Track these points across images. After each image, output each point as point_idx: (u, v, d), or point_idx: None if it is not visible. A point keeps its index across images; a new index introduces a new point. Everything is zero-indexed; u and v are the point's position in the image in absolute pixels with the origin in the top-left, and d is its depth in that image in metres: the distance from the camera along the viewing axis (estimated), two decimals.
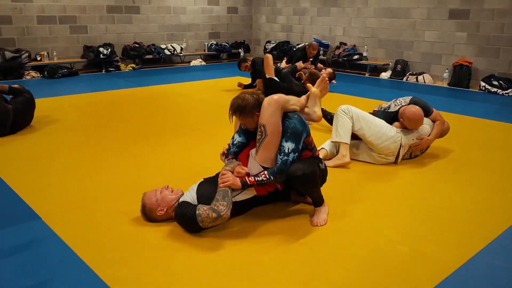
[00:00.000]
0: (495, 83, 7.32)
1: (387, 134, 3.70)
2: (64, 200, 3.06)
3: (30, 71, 8.32)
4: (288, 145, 2.55)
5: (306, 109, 3.07)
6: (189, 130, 4.86)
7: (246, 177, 2.57)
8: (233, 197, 2.58)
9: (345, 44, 9.69)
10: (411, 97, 3.96)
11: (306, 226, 2.71)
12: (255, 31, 11.90)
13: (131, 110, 5.80)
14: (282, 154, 2.55)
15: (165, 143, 4.37)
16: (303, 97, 3.06)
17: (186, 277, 2.19)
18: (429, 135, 3.84)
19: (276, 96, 2.60)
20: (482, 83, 7.48)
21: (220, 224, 2.56)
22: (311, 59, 7.56)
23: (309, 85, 3.41)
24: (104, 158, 3.91)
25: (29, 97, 4.82)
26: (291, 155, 2.56)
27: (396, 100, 3.98)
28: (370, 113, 3.97)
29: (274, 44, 10.97)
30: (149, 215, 2.69)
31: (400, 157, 3.80)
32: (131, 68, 9.41)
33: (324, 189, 2.87)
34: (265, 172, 2.55)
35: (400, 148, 3.74)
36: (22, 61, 8.04)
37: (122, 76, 8.65)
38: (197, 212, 2.46)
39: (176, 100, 6.48)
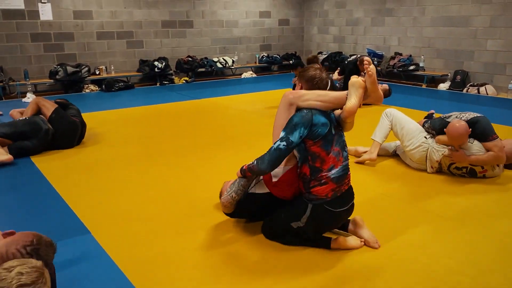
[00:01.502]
0: None
1: (415, 142, 3.82)
2: (114, 215, 3.10)
3: (89, 85, 8.70)
4: (281, 134, 2.40)
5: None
6: (240, 142, 4.83)
7: (246, 164, 2.54)
8: (248, 188, 2.64)
9: (401, 54, 9.36)
10: (479, 115, 3.63)
11: (357, 253, 2.56)
12: (307, 42, 11.80)
13: (184, 122, 5.87)
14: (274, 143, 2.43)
15: (217, 156, 4.36)
16: (342, 92, 2.48)
17: None
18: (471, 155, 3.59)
19: (291, 91, 2.56)
20: None
21: (226, 212, 2.72)
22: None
23: (352, 76, 2.61)
24: (157, 172, 3.95)
25: (77, 108, 5.00)
26: (277, 142, 2.37)
27: (462, 113, 3.72)
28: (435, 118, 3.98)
29: (326, 55, 10.81)
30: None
31: (428, 167, 3.81)
32: (184, 81, 9.60)
33: (373, 203, 2.71)
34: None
35: (426, 158, 3.78)
36: (82, 75, 8.42)
37: (175, 89, 8.83)
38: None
39: (228, 113, 6.50)
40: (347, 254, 2.52)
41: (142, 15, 9.28)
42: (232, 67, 10.42)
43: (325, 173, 2.42)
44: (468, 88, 8.07)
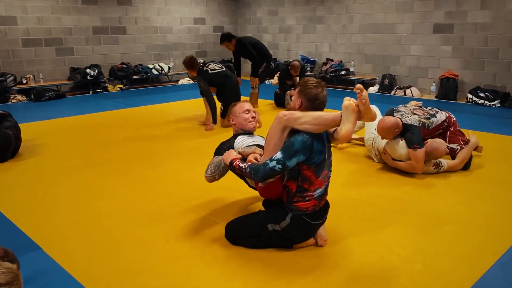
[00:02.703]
0: (482, 94, 7.46)
1: (368, 131, 4.31)
2: (64, 228, 2.96)
3: (16, 95, 8.16)
4: (277, 155, 2.41)
5: (338, 128, 2.45)
6: (186, 150, 4.80)
7: (238, 161, 2.59)
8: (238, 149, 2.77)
9: (332, 60, 9.79)
10: (416, 125, 3.80)
11: (313, 250, 2.67)
12: None
13: (123, 131, 5.71)
14: (270, 159, 2.42)
15: (162, 164, 4.31)
16: (336, 114, 2.41)
17: None
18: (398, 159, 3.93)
19: (286, 112, 2.46)
20: (469, 95, 7.61)
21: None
22: (297, 76, 7.56)
23: (345, 99, 2.42)
24: (101, 183, 3.83)
25: (15, 121, 4.73)
26: (273, 163, 2.38)
27: (416, 110, 3.98)
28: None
29: None
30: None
31: (373, 155, 4.23)
32: (118, 88, 9.33)
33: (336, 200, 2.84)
34: (249, 164, 2.52)
35: (372, 148, 4.18)
36: (7, 85, 7.89)
37: (110, 97, 8.56)
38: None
39: (168, 120, 6.42)
40: (305, 250, 2.62)
41: (71, 21, 8.90)
42: (169, 74, 10.29)
43: (311, 193, 2.50)
44: (396, 91, 8.63)
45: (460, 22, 7.76)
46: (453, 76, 7.87)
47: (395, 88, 8.70)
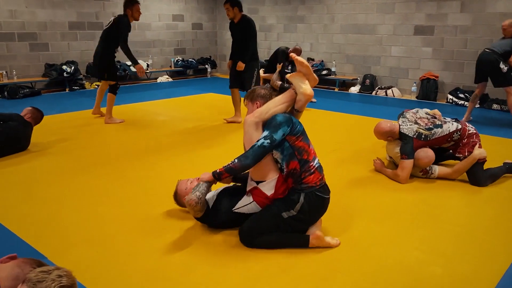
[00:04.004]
0: (461, 95, 7.66)
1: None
2: (67, 236, 2.81)
3: None
4: (263, 134, 2.57)
5: (297, 97, 2.73)
6: (178, 149, 4.68)
7: (218, 169, 2.60)
8: (236, 209, 2.73)
9: (313, 60, 9.83)
10: (411, 135, 3.78)
11: (330, 254, 2.64)
12: (220, 47, 11.83)
13: (107, 130, 5.52)
14: (256, 141, 2.55)
15: (154, 165, 4.18)
16: (286, 92, 2.76)
17: None
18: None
19: (250, 114, 2.70)
20: (449, 96, 7.80)
21: (196, 216, 2.68)
22: (289, 67, 7.54)
23: (287, 75, 2.85)
24: (98, 186, 3.67)
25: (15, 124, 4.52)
26: (261, 140, 2.52)
27: (421, 119, 3.91)
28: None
29: None
30: (179, 200, 2.99)
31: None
32: (96, 86, 9.03)
33: (342, 206, 2.82)
34: (234, 159, 2.57)
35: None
36: None
37: (87, 94, 8.28)
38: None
39: (156, 119, 6.27)
40: (324, 252, 2.58)
41: (46, 15, 8.55)
42: (147, 71, 10.06)
43: (311, 163, 2.63)
44: (377, 91, 8.75)
45: (441, 24, 7.93)
46: (433, 77, 8.05)
47: (376, 89, 8.81)
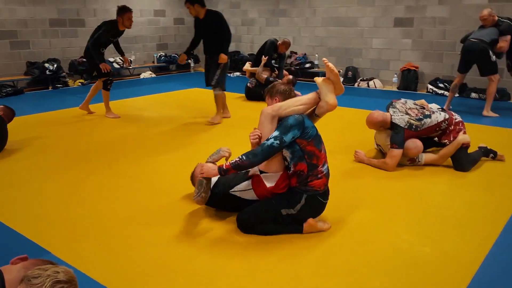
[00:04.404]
0: (441, 85, 7.89)
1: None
2: (68, 230, 2.87)
3: None
4: (273, 134, 2.61)
5: (320, 103, 2.83)
6: (173, 145, 4.75)
7: (225, 163, 2.65)
8: (233, 191, 2.86)
9: (296, 53, 9.94)
10: (402, 125, 3.90)
11: (325, 238, 2.77)
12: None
13: (97, 128, 5.54)
14: (266, 140, 2.60)
15: (146, 160, 4.24)
16: (312, 93, 2.83)
17: None
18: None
19: (269, 106, 2.77)
20: (429, 86, 8.02)
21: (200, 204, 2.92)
22: (275, 63, 7.60)
23: (315, 78, 2.90)
24: (92, 182, 3.72)
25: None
26: (271, 140, 2.57)
27: (415, 110, 4.04)
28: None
29: None
30: (193, 180, 3.17)
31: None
32: (80, 83, 8.98)
33: (334, 194, 2.94)
34: (242, 154, 2.61)
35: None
36: None
37: (71, 92, 8.23)
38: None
39: (143, 115, 6.30)
40: (318, 238, 2.70)
41: (26, 12, 8.44)
42: (130, 67, 10.02)
43: (320, 168, 2.69)
44: (359, 83, 8.92)
45: (420, 16, 8.12)
46: (414, 68, 8.25)
47: (358, 80, 8.99)
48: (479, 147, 4.17)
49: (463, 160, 3.91)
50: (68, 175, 3.88)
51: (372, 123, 4.10)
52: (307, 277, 2.33)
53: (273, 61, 7.54)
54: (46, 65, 8.51)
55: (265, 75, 7.23)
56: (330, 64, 2.76)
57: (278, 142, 2.56)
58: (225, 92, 5.85)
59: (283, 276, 2.33)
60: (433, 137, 4.17)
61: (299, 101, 2.75)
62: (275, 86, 2.89)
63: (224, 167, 2.62)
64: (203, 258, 2.52)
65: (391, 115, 4.00)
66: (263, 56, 7.24)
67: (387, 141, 4.03)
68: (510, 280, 2.30)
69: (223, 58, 5.63)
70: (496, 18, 5.93)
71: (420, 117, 3.96)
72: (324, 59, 2.87)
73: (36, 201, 3.34)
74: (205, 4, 5.64)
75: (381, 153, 4.32)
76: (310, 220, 2.74)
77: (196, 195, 2.81)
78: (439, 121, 3.96)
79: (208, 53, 5.79)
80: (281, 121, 2.67)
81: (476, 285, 2.25)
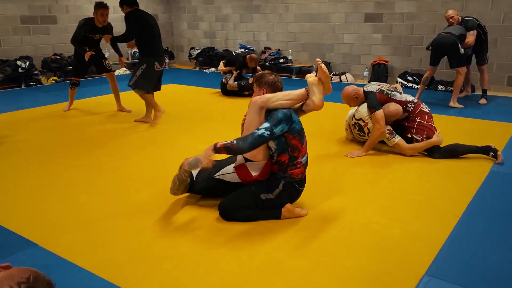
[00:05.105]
0: (410, 78, 8.18)
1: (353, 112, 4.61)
2: (54, 223, 2.94)
3: None
4: (264, 124, 2.73)
5: (307, 101, 2.93)
6: (140, 141, 4.83)
7: (218, 144, 2.71)
8: (218, 175, 3.01)
9: (270, 49, 10.09)
10: (374, 91, 4.23)
11: (302, 223, 2.93)
12: (177, 38, 11.87)
13: (68, 125, 5.56)
14: (257, 129, 2.70)
15: (124, 155, 4.31)
16: (301, 89, 2.93)
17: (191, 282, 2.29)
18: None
19: (258, 97, 2.87)
20: (399, 79, 8.31)
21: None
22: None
23: (307, 75, 3.01)
24: (73, 176, 3.77)
25: None
26: (262, 130, 2.67)
27: (384, 86, 4.33)
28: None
29: (199, 50, 11.05)
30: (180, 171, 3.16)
31: (346, 131, 4.78)
32: (53, 81, 8.89)
33: (310, 181, 3.11)
34: (232, 139, 2.72)
35: (347, 124, 4.67)
36: None
37: (45, 90, 8.16)
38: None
39: (114, 110, 6.33)
40: (296, 222, 2.87)
41: None
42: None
43: (300, 159, 2.90)
44: (332, 77, 9.14)
45: (389, 11, 8.39)
46: (384, 62, 8.53)
47: (331, 75, 9.21)
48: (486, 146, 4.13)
49: (434, 149, 4.16)
50: (45, 171, 3.93)
51: (346, 95, 4.48)
52: (287, 259, 2.48)
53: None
54: (18, 62, 8.40)
55: (235, 83, 7.33)
56: (323, 65, 2.90)
57: (268, 133, 2.67)
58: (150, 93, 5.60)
59: (264, 260, 2.48)
60: (404, 128, 4.36)
61: (287, 96, 2.85)
62: (264, 76, 2.95)
63: (218, 146, 2.69)
64: (187, 246, 2.64)
65: (363, 88, 4.33)
66: (235, 69, 7.40)
67: (366, 112, 4.28)
68: (471, 254, 2.52)
69: (106, 38, 6.12)
70: (460, 17, 6.32)
71: (391, 89, 4.32)
72: (317, 59, 3.04)
73: (15, 196, 3.38)
74: (133, 4, 5.50)
75: (354, 138, 4.55)
76: (288, 205, 2.91)
77: (172, 190, 3.14)
78: (407, 100, 4.25)
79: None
80: (269, 113, 2.79)
81: (440, 260, 2.46)
